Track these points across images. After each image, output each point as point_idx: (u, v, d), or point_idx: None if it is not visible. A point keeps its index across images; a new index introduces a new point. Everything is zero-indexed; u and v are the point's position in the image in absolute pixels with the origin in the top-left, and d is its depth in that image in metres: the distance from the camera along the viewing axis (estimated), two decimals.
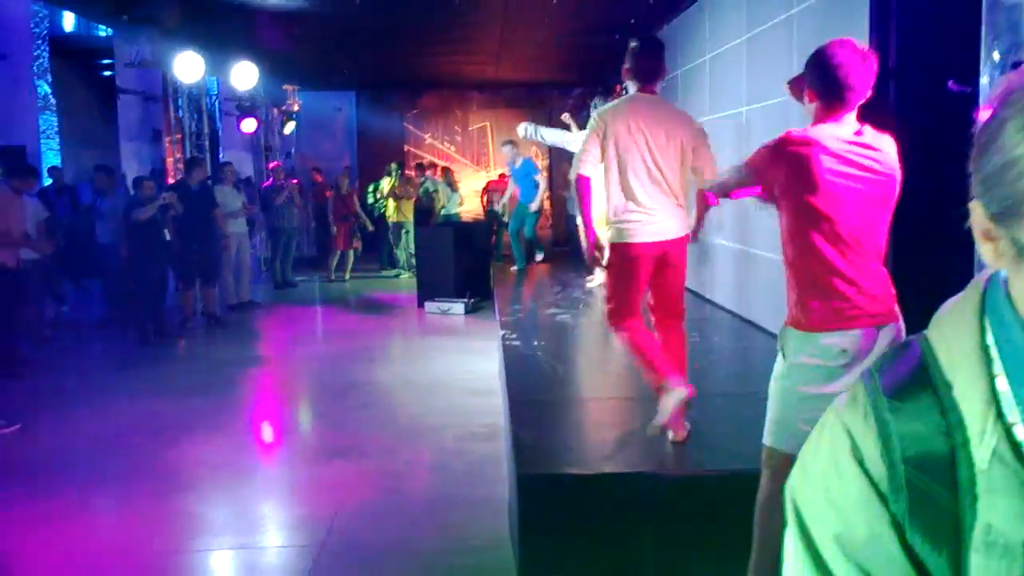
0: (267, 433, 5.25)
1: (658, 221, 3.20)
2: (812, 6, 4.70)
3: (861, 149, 2.17)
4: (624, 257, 3.26)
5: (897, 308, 2.25)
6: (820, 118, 2.22)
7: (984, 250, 0.66)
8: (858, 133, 2.19)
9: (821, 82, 2.19)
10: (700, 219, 3.35)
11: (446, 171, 12.01)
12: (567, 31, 9.25)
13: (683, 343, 3.46)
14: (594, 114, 3.30)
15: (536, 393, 4.38)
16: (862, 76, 2.15)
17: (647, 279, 3.30)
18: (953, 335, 0.69)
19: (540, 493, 3.12)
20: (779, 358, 2.29)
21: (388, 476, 4.15)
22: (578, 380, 4.94)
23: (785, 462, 2.22)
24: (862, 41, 3.94)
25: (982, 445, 0.64)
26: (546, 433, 3.63)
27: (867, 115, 3.07)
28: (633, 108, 3.24)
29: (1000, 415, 0.64)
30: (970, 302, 0.69)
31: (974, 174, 0.65)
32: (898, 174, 2.22)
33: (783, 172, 2.20)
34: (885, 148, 2.21)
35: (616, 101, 3.34)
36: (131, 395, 5.70)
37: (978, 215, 0.65)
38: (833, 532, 0.69)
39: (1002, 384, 0.65)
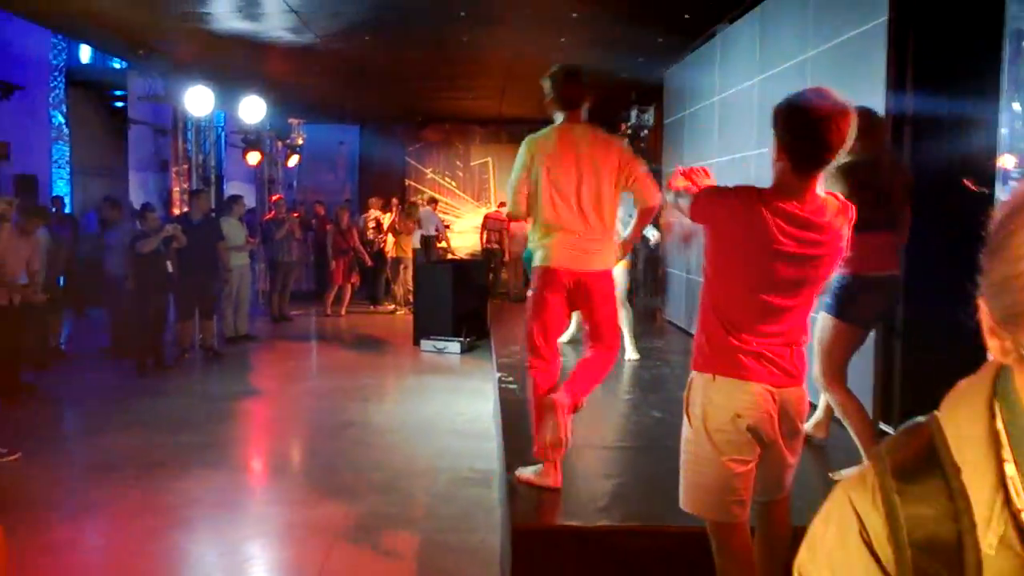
0: (260, 471, 5.16)
1: (578, 251, 3.18)
2: (827, 50, 4.68)
3: (804, 227, 2.00)
4: (542, 280, 3.25)
5: (804, 376, 2.21)
6: (787, 180, 1.99)
7: (991, 345, 0.67)
8: (812, 210, 2.00)
9: (795, 138, 1.94)
10: (636, 233, 3.45)
11: (409, 205, 11.46)
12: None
13: (597, 364, 3.38)
14: (522, 145, 3.29)
15: (532, 440, 4.29)
16: (843, 134, 1.88)
17: (563, 307, 3.27)
18: (964, 418, 0.69)
19: (534, 545, 3.03)
20: (685, 422, 2.24)
21: (380, 519, 4.06)
22: (575, 428, 4.84)
23: (721, 527, 2.21)
24: (879, 87, 3.97)
25: (989, 531, 0.64)
26: None
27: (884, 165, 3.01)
28: (560, 136, 3.24)
29: (1008, 500, 0.65)
30: (982, 386, 0.70)
31: (983, 275, 0.68)
32: (838, 247, 2.08)
33: (722, 216, 2.11)
34: (830, 222, 2.03)
35: (544, 130, 3.33)
36: (128, 427, 5.64)
37: (985, 314, 0.67)
38: None
39: (1011, 470, 0.65)
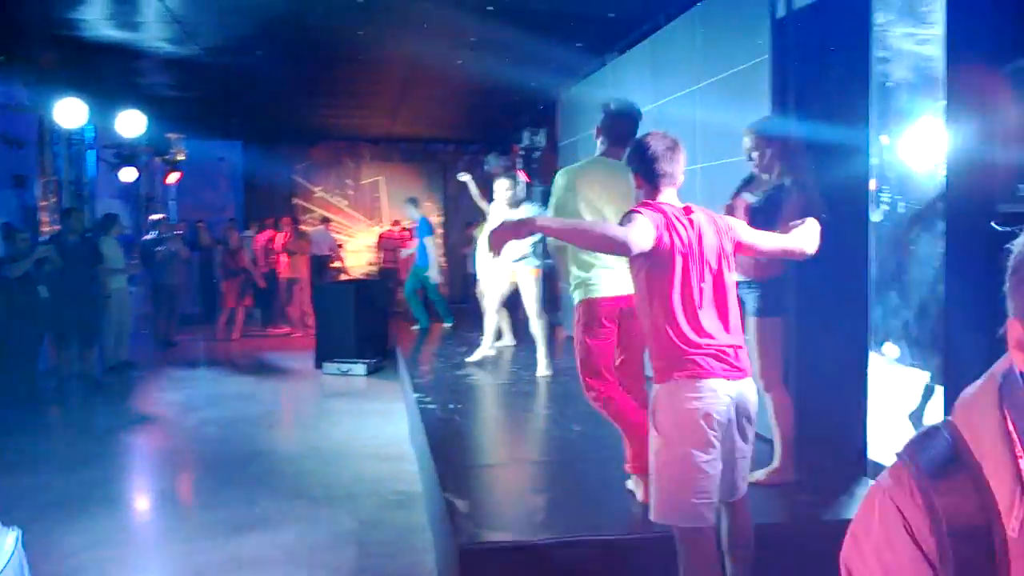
0: (169, 506, 4.83)
1: (620, 276, 3.27)
2: (717, 81, 5.01)
3: (689, 221, 2.44)
4: (591, 312, 3.32)
5: (749, 372, 2.49)
6: (655, 197, 2.52)
7: (1016, 357, 0.77)
8: (687, 209, 2.46)
9: (644, 169, 2.53)
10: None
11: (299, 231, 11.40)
12: (468, 90, 9.45)
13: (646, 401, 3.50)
14: (559, 175, 3.42)
15: (461, 458, 4.32)
16: (676, 162, 2.53)
17: (614, 337, 3.36)
18: (979, 422, 0.80)
19: (481, 564, 3.04)
20: (653, 433, 2.41)
21: (307, 549, 3.92)
22: (499, 444, 4.91)
23: (692, 534, 2.35)
24: (765, 112, 4.30)
25: (1012, 517, 0.74)
26: (478, 501, 3.57)
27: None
28: (596, 170, 3.41)
29: None
30: (990, 393, 0.81)
31: (1013, 297, 0.77)
32: (727, 247, 2.48)
33: (659, 235, 2.37)
34: (705, 224, 2.46)
35: (580, 163, 3.51)
36: (9, 466, 5.15)
37: (1016, 331, 0.77)
38: None
39: None
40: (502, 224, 2.39)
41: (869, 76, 3.90)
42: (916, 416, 4.20)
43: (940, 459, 0.80)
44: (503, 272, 6.49)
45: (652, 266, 2.39)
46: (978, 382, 0.84)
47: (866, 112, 3.91)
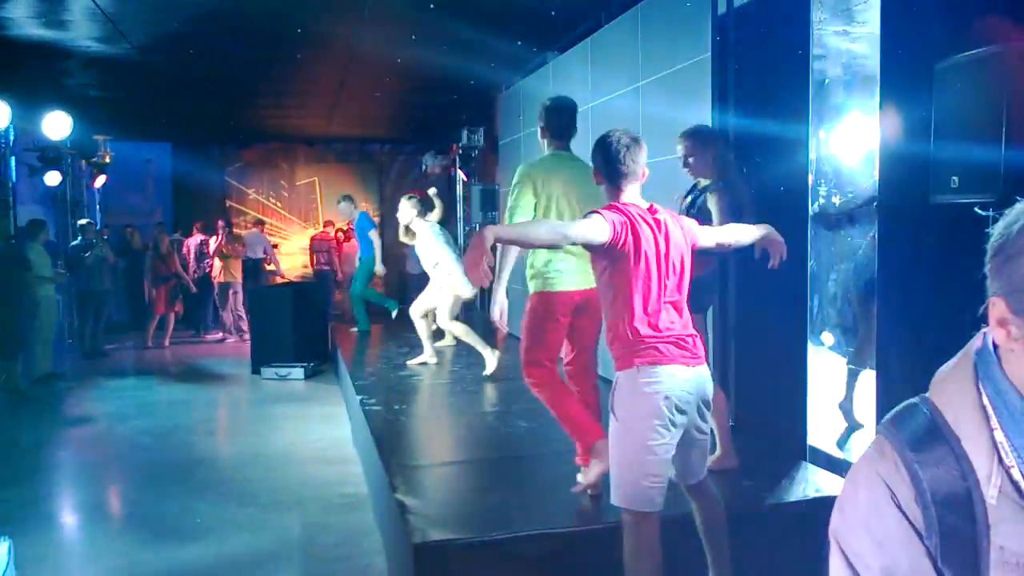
0: (107, 520, 4.63)
1: (580, 271, 3.32)
2: (658, 80, 5.09)
3: (654, 220, 2.49)
4: (547, 305, 3.36)
5: (704, 354, 2.56)
6: (613, 196, 2.56)
7: (997, 333, 0.81)
8: (651, 209, 2.52)
9: (606, 166, 2.55)
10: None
11: (233, 235, 11.12)
12: (406, 88, 9.38)
13: (596, 396, 3.58)
14: (520, 170, 3.43)
15: (409, 458, 4.28)
16: (638, 159, 2.53)
17: (564, 331, 3.40)
18: (955, 397, 0.84)
19: (436, 562, 3.03)
20: (612, 418, 2.47)
21: (255, 556, 3.84)
22: (446, 442, 4.88)
23: (642, 519, 2.41)
24: (706, 109, 4.40)
25: (990, 485, 0.79)
26: (429, 499, 3.55)
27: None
28: (556, 165, 3.45)
29: (1001, 460, 0.80)
30: (965, 370, 0.85)
31: (997, 277, 0.80)
32: (687, 247, 2.55)
33: (625, 232, 2.42)
34: (671, 224, 2.52)
35: (539, 158, 3.54)
36: None
37: (1000, 308, 0.80)
38: (881, 565, 0.82)
39: (999, 436, 0.80)
40: (464, 262, 2.26)
41: (808, 73, 4.03)
42: (846, 403, 4.33)
43: (920, 433, 0.83)
44: (439, 282, 6.50)
45: (616, 265, 2.44)
46: (953, 359, 0.87)
47: (806, 108, 4.03)
